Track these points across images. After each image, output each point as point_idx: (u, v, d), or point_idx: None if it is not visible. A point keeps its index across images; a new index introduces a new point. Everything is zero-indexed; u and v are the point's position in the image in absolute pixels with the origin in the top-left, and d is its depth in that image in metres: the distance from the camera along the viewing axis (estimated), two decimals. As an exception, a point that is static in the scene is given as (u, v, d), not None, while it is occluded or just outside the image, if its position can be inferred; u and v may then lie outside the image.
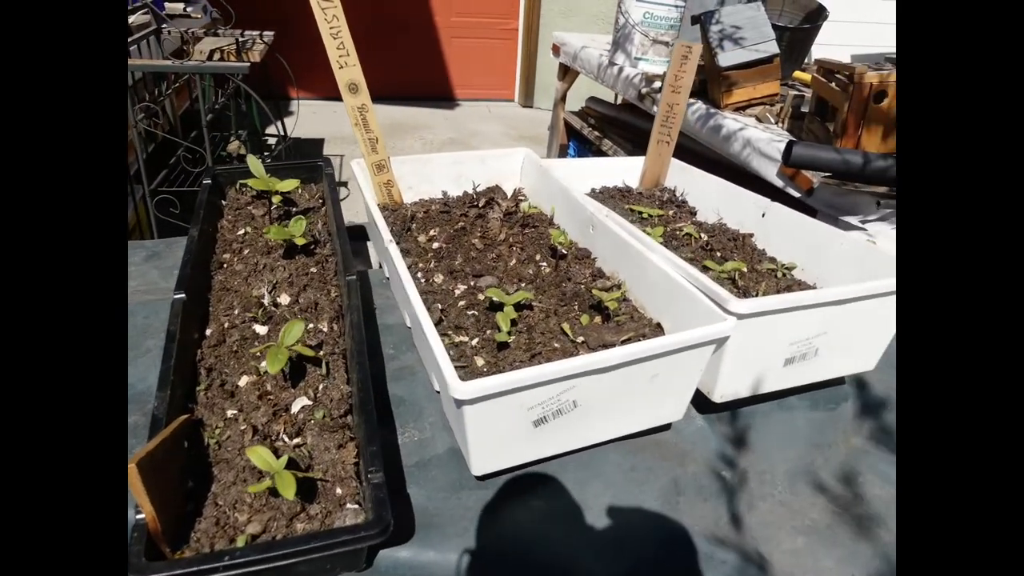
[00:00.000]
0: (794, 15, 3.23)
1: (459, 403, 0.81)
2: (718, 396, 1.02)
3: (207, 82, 3.78)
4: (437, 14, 6.08)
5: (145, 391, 1.08)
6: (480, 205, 1.39)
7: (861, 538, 1.03)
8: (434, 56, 6.29)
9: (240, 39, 3.41)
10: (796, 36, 3.07)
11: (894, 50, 4.77)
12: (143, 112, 3.06)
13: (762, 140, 2.70)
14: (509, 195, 1.47)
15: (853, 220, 2.18)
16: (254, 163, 1.34)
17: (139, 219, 3.40)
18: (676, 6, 3.57)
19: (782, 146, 2.61)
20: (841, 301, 0.98)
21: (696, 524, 0.97)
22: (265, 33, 3.62)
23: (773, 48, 2.90)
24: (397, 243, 1.25)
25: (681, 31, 3.65)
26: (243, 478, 0.85)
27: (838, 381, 1.23)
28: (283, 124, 4.15)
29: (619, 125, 4.26)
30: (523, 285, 1.16)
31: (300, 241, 1.20)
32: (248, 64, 3.07)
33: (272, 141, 4.81)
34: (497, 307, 1.07)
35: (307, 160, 1.47)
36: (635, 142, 3.98)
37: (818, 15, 3.11)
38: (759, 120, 2.97)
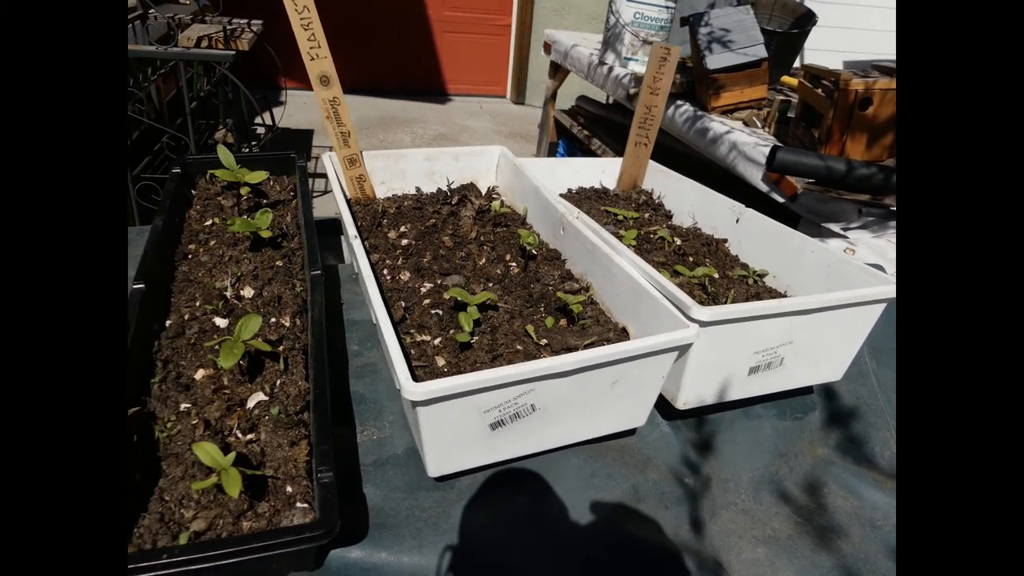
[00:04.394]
0: (783, 19, 3.23)
1: (413, 404, 0.80)
2: (681, 403, 1.02)
3: (194, 69, 3.73)
4: (430, 8, 6.05)
5: (101, 382, 1.06)
6: (453, 203, 1.38)
7: (822, 549, 1.03)
8: (426, 50, 6.26)
9: (228, 27, 3.38)
10: (785, 41, 3.07)
11: (884, 57, 4.78)
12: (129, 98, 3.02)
13: (748, 144, 2.70)
14: (483, 193, 1.45)
15: (835, 227, 2.18)
16: (224, 153, 1.32)
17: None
18: (666, 7, 3.56)
19: (767, 151, 2.62)
20: (807, 311, 0.98)
21: (655, 531, 0.96)
22: (253, 22, 3.58)
23: (761, 52, 2.90)
24: (366, 239, 1.23)
25: (671, 32, 3.65)
26: (192, 473, 0.84)
27: (806, 390, 1.23)
28: (271, 114, 4.11)
29: (609, 125, 4.25)
30: (491, 285, 1.15)
31: (266, 234, 1.19)
32: (234, 52, 3.03)
33: (261, 130, 4.78)
34: (461, 307, 1.06)
35: (280, 152, 1.44)
36: (624, 142, 3.97)
37: (807, 20, 3.11)
38: (746, 124, 2.97)
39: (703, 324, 0.91)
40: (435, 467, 0.90)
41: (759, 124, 2.97)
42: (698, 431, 1.14)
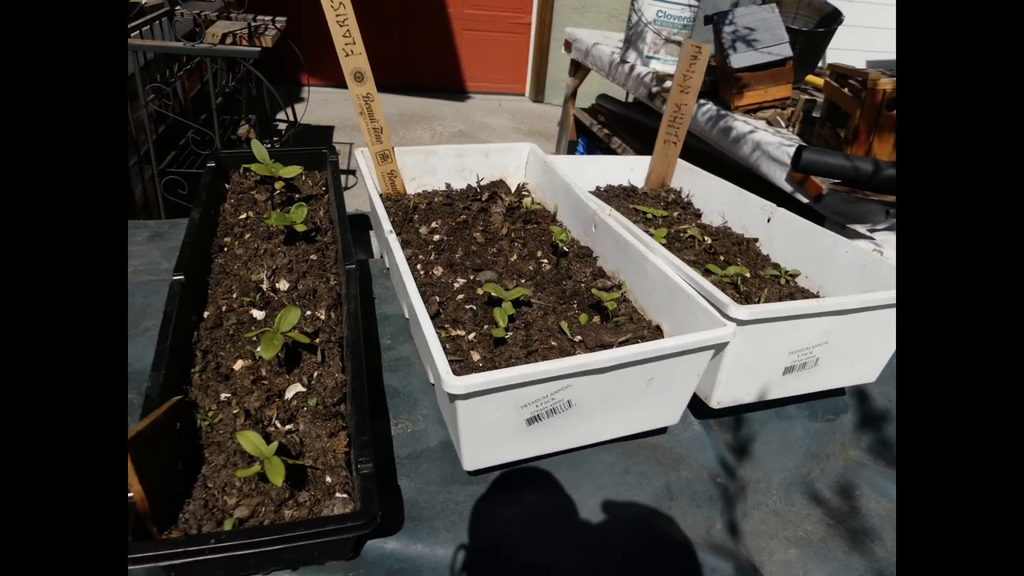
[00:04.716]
0: (808, 18, 3.20)
1: (452, 398, 0.80)
2: (715, 402, 1.02)
3: (219, 65, 3.77)
4: (451, 6, 6.06)
5: (142, 371, 1.07)
6: (483, 199, 1.38)
7: (855, 552, 1.02)
8: (447, 48, 6.26)
9: (253, 24, 3.40)
10: (810, 40, 3.04)
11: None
12: (154, 93, 3.06)
13: (772, 144, 2.68)
14: (512, 190, 1.46)
15: (861, 228, 2.17)
16: (258, 148, 1.33)
17: (147, 199, 3.40)
18: (690, 5, 3.54)
19: (792, 151, 2.60)
20: (844, 311, 0.97)
21: (688, 530, 0.96)
22: (278, 19, 3.61)
23: (786, 51, 2.88)
24: (398, 234, 1.24)
25: (694, 31, 3.63)
26: (233, 462, 0.85)
27: (838, 392, 1.22)
28: (293, 110, 4.14)
29: (629, 124, 4.24)
30: (523, 281, 1.15)
31: (301, 228, 1.20)
32: (259, 49, 3.06)
33: (282, 126, 4.81)
34: (495, 303, 1.06)
35: (311, 147, 1.46)
36: (645, 141, 3.96)
37: (833, 19, 3.08)
38: (770, 123, 2.95)
39: (740, 323, 0.91)
40: (471, 461, 0.90)
41: (783, 124, 2.95)
42: (729, 431, 1.13)
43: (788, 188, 2.56)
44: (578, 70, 4.50)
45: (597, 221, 1.20)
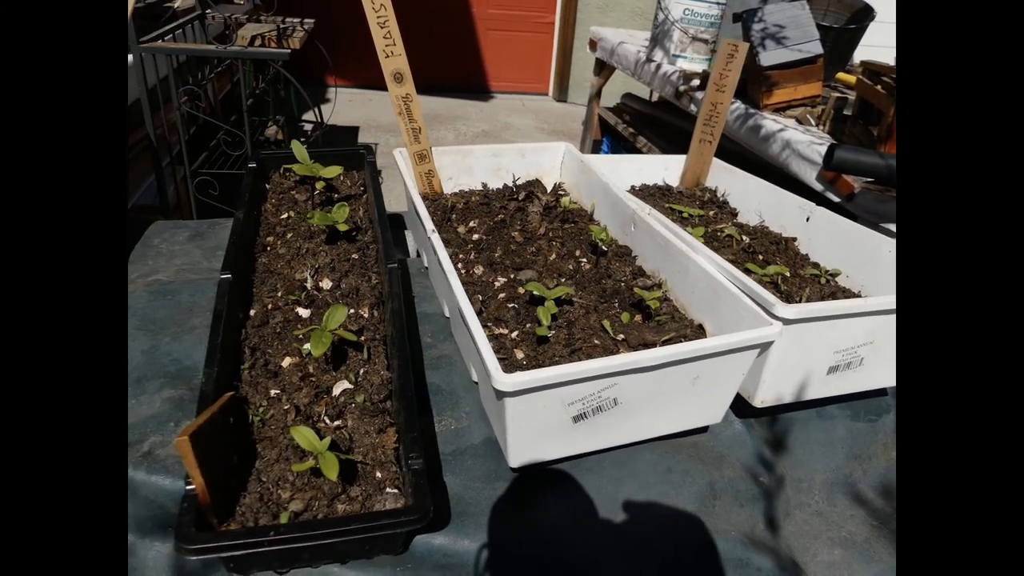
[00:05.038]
0: (839, 15, 3.16)
1: (501, 394, 0.81)
2: (759, 401, 1.01)
3: (247, 67, 3.82)
4: (474, 6, 6.07)
5: (191, 367, 1.10)
6: (520, 198, 1.39)
7: (899, 551, 1.01)
8: (470, 48, 6.28)
9: (281, 26, 3.45)
10: (841, 37, 3.01)
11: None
12: (186, 95, 3.11)
13: (802, 143, 2.66)
14: (548, 189, 1.46)
15: (894, 227, 2.14)
16: (298, 149, 1.35)
17: (179, 199, 3.46)
18: (717, 3, 3.52)
19: (823, 149, 2.57)
20: (890, 311, 0.96)
21: (732, 529, 0.96)
22: (306, 20, 3.65)
23: (817, 48, 2.85)
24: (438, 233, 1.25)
25: (721, 29, 3.60)
26: (285, 456, 0.87)
27: (879, 392, 1.21)
28: (319, 111, 4.18)
29: (654, 123, 4.22)
30: (563, 280, 1.16)
31: (343, 227, 1.21)
32: (289, 51, 3.09)
33: (308, 127, 4.86)
34: (537, 301, 1.07)
35: (349, 147, 1.48)
36: (670, 140, 3.95)
37: (865, 15, 3.04)
38: (799, 122, 2.92)
39: (787, 322, 0.91)
40: (516, 458, 0.91)
41: (813, 122, 2.92)
42: (771, 430, 1.13)
43: (819, 187, 2.53)
44: (603, 69, 4.49)
45: (637, 220, 1.20)
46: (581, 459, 0.99)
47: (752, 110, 3.01)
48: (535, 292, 1.05)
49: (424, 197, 1.39)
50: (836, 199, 2.46)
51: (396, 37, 1.24)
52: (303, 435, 0.82)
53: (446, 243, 1.24)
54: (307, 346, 1.03)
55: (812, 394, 1.05)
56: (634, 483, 0.98)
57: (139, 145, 3.26)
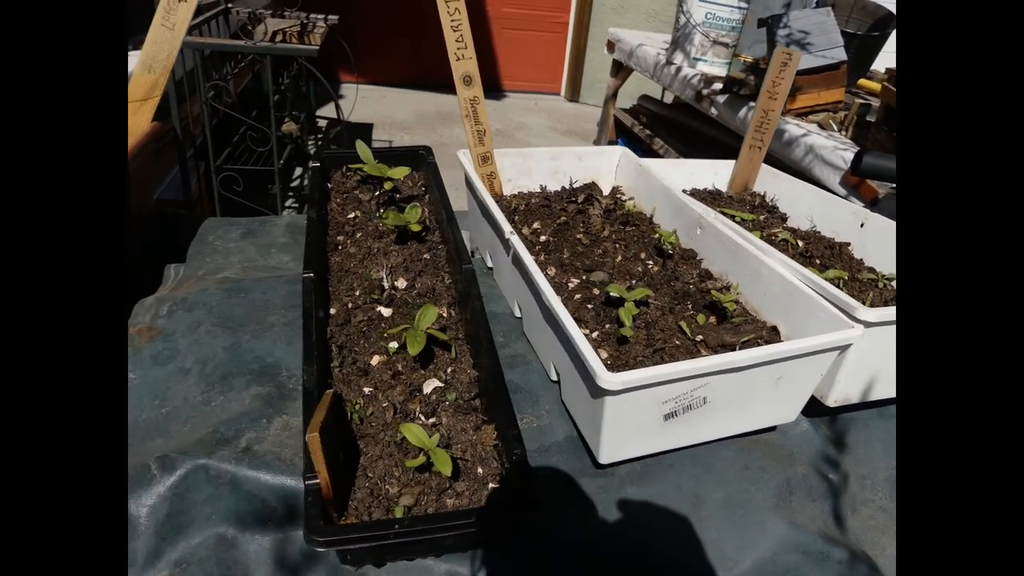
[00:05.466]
0: (862, 21, 3.20)
1: (602, 393, 0.84)
2: (832, 400, 1.05)
3: (268, 62, 3.83)
4: (489, 4, 6.09)
5: (273, 364, 1.13)
6: (579, 201, 1.42)
7: (963, 547, 1.05)
8: (484, 46, 6.30)
9: (305, 21, 3.46)
10: (864, 44, 3.05)
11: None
12: (212, 89, 3.12)
13: (826, 148, 2.70)
14: (604, 192, 1.49)
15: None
16: (363, 149, 1.38)
17: (201, 193, 3.47)
18: (739, 7, 3.55)
19: (847, 154, 2.61)
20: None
21: (809, 523, 0.99)
22: (330, 17, 3.67)
23: (841, 55, 2.89)
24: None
25: (743, 33, 3.64)
26: (388, 452, 0.90)
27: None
28: (338, 108, 4.20)
29: (671, 124, 4.26)
30: (633, 282, 1.19)
31: (416, 228, 1.24)
32: (316, 48, 3.12)
33: (323, 123, 4.88)
34: (613, 302, 1.10)
35: (409, 147, 1.50)
36: (687, 142, 3.98)
37: (887, 23, 3.08)
38: (822, 127, 2.96)
39: (868, 324, 0.94)
40: (608, 455, 0.94)
41: (835, 127, 2.96)
42: (835, 429, 1.17)
43: (842, 192, 2.57)
44: (620, 71, 4.52)
45: (703, 224, 1.23)
46: (663, 456, 1.03)
47: (775, 114, 3.04)
48: (614, 294, 1.08)
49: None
50: (860, 203, 2.50)
51: (468, 41, 1.27)
52: (413, 432, 0.85)
53: (514, 244, 1.27)
54: (393, 344, 1.06)
55: (880, 394, 1.08)
56: (713, 479, 1.02)
57: (166, 137, 3.28)
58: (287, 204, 4.17)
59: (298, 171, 4.50)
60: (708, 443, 1.04)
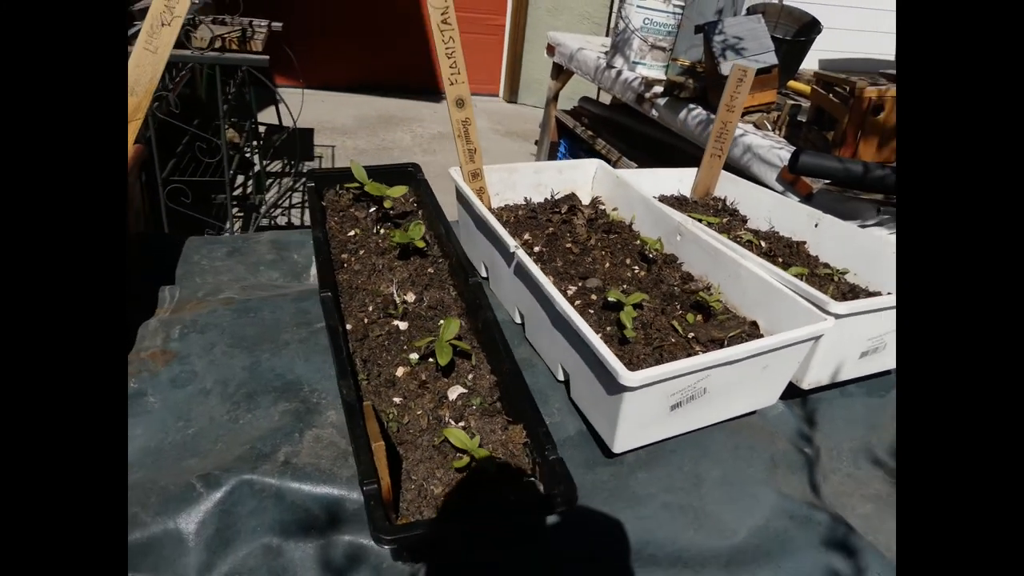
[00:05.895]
0: (789, 27, 3.44)
1: (622, 389, 0.95)
2: (806, 384, 1.19)
3: (206, 70, 3.76)
4: (425, 7, 6.11)
5: (295, 381, 1.18)
6: (563, 211, 1.52)
7: (919, 503, 1.22)
8: (422, 49, 6.33)
9: (247, 28, 3.44)
10: (792, 48, 3.29)
11: (857, 55, 5.06)
12: (156, 100, 3.05)
13: (763, 147, 2.90)
14: (583, 202, 1.60)
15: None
16: (357, 169, 1.44)
17: (144, 206, 3.38)
18: (675, 13, 3.74)
19: (783, 153, 2.83)
20: (913, 304, 1.16)
21: (793, 492, 1.13)
22: (274, 23, 3.63)
23: (772, 59, 3.10)
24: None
25: (678, 38, 3.83)
26: (428, 456, 0.97)
27: (885, 372, 1.42)
28: (279, 114, 4.16)
29: (612, 125, 4.42)
30: (624, 286, 1.30)
31: (420, 244, 1.32)
32: (267, 58, 3.10)
33: (262, 129, 4.80)
34: (612, 306, 1.21)
35: (398, 164, 1.57)
36: (630, 143, 4.16)
37: (812, 28, 3.33)
38: (757, 127, 3.17)
39: (838, 316, 1.09)
40: (622, 445, 1.05)
41: (769, 127, 3.18)
42: (806, 409, 1.32)
43: (779, 188, 2.78)
44: (560, 73, 4.65)
45: (683, 231, 1.36)
46: (665, 443, 1.14)
47: (713, 116, 3.23)
48: (612, 299, 1.19)
49: (476, 212, 1.50)
50: (795, 199, 2.72)
51: (461, 67, 1.35)
52: (456, 436, 0.94)
53: (511, 255, 1.36)
54: (414, 356, 1.13)
55: (846, 375, 1.24)
56: (710, 460, 1.15)
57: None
58: (232, 214, 4.11)
59: (239, 179, 4.42)
60: (703, 428, 1.16)
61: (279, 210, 4.45)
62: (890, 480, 1.27)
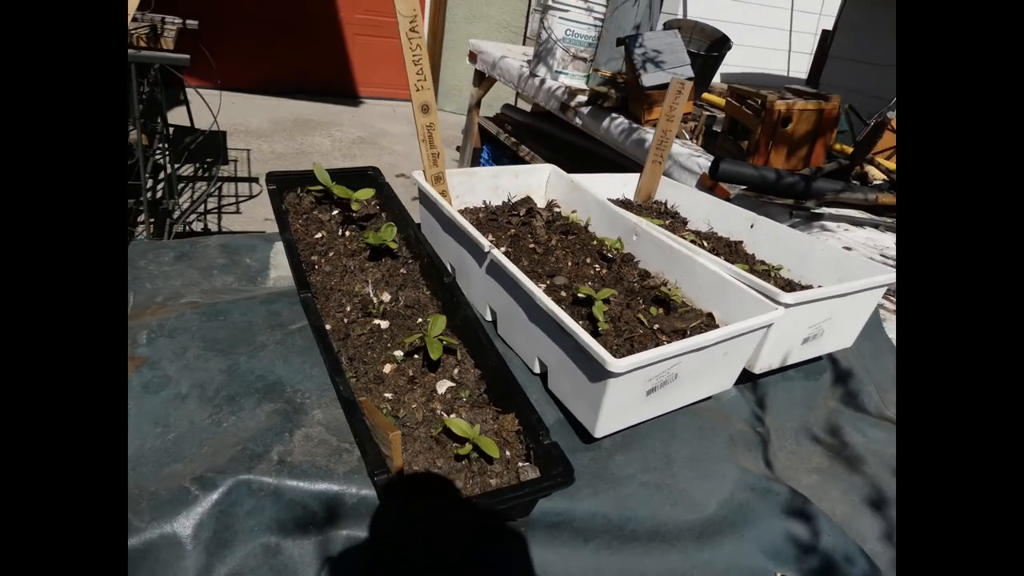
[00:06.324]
0: (701, 42, 3.68)
1: (607, 376, 1.02)
2: (758, 368, 1.32)
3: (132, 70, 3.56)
4: (342, 10, 6.03)
5: (276, 382, 1.17)
6: (521, 214, 1.59)
7: (853, 473, 1.37)
8: (339, 53, 6.23)
9: (157, 24, 3.30)
10: (706, 62, 3.52)
11: (753, 70, 5.45)
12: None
13: (683, 155, 3.09)
14: (537, 205, 1.68)
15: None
16: (320, 172, 1.45)
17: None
18: (595, 25, 3.91)
19: (701, 160, 3.02)
20: (847, 293, 1.31)
21: (752, 468, 1.25)
22: (189, 21, 3.50)
23: (689, 72, 3.31)
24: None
25: (599, 49, 4.00)
26: (427, 446, 1.01)
27: (818, 357, 1.58)
28: (191, 115, 4.00)
29: (535, 132, 4.55)
30: (589, 283, 1.38)
31: (393, 246, 1.34)
32: (189, 56, 2.98)
33: (170, 131, 4.58)
34: (583, 302, 1.29)
35: (359, 168, 1.58)
36: (554, 149, 4.29)
37: (723, 44, 3.58)
38: (676, 136, 3.38)
39: (787, 306, 1.21)
40: (602, 429, 1.12)
41: (687, 136, 3.39)
42: (756, 393, 1.44)
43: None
44: (483, 81, 4.73)
45: (639, 231, 1.46)
46: (638, 427, 1.23)
47: (635, 124, 3.41)
48: (582, 295, 1.26)
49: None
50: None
51: (427, 73, 1.39)
52: (458, 425, 0.98)
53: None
54: (398, 352, 1.16)
55: (791, 360, 1.37)
56: (678, 441, 1.24)
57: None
58: (140, 220, 3.90)
59: (148, 183, 4.20)
60: (672, 412, 1.26)
61: (194, 216, 4.26)
62: (828, 454, 1.42)
